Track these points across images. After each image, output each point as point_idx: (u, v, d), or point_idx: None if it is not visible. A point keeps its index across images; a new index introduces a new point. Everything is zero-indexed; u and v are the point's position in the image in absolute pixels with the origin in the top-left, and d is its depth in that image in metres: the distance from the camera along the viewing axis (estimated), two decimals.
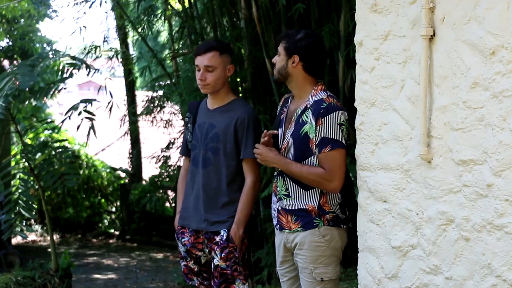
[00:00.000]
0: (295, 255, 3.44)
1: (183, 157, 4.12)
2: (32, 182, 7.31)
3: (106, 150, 18.57)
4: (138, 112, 10.62)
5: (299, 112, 3.40)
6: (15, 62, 13.13)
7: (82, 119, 6.20)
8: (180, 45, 7.78)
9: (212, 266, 3.82)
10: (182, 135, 8.94)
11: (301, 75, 3.41)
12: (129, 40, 12.15)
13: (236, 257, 3.76)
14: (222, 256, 3.75)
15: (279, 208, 3.48)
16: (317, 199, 3.36)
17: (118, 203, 14.02)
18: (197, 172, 3.85)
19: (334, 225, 3.37)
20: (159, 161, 10.01)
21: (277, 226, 3.51)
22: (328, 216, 3.36)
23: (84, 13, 10.61)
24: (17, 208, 6.22)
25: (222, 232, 3.76)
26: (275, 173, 3.56)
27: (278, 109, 3.68)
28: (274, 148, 3.49)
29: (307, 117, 3.34)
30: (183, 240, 3.91)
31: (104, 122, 9.30)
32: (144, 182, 12.90)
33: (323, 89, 3.41)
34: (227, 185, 3.78)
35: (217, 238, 3.77)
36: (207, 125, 3.84)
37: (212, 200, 3.81)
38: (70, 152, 7.51)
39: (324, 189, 3.34)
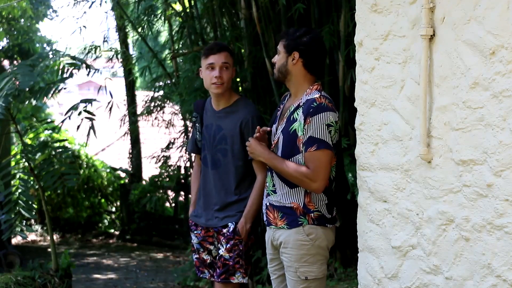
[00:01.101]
0: (280, 253, 3.46)
1: (194, 154, 4.26)
2: (32, 182, 7.31)
3: (106, 150, 18.58)
4: (138, 112, 10.61)
5: (292, 110, 3.42)
6: (15, 62, 13.13)
7: (82, 119, 6.20)
8: (180, 45, 7.78)
9: (217, 257, 3.93)
10: (183, 135, 8.99)
11: (300, 72, 3.42)
12: (129, 40, 12.15)
13: (240, 250, 3.85)
14: (227, 247, 3.85)
15: (267, 204, 3.51)
16: (302, 198, 3.37)
17: (118, 203, 14.01)
18: (207, 173, 3.98)
19: (319, 224, 3.37)
20: (159, 161, 10.01)
21: (266, 222, 3.55)
22: (313, 215, 3.36)
23: (84, 13, 10.59)
24: (17, 208, 6.21)
25: (230, 224, 3.87)
26: (267, 169, 3.57)
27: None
28: (268, 144, 3.53)
29: (297, 115, 3.36)
30: (196, 232, 4.04)
31: (104, 122, 9.29)
32: (144, 182, 12.89)
33: (318, 89, 3.41)
34: (236, 185, 3.89)
35: (224, 230, 3.88)
36: (214, 127, 3.94)
37: (222, 200, 3.91)
38: (70, 152, 7.50)
39: (306, 188, 3.35)
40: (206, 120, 3.98)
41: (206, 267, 4.04)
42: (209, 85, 3.87)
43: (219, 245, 3.91)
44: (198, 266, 4.08)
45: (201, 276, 4.11)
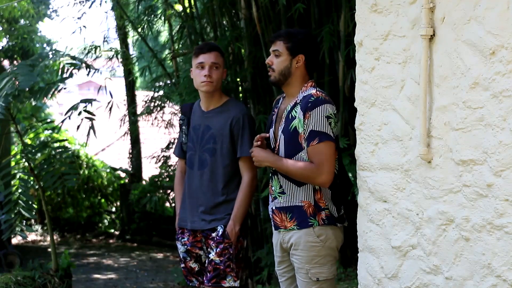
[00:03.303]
0: (291, 255, 3.45)
1: (178, 158, 4.16)
2: (32, 182, 7.32)
3: (106, 150, 18.57)
4: (138, 112, 10.61)
5: (289, 109, 3.42)
6: (15, 62, 13.13)
7: (82, 119, 6.21)
8: (180, 45, 7.78)
9: (207, 261, 3.87)
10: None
11: (301, 74, 3.43)
12: (129, 40, 12.15)
13: (230, 253, 3.81)
14: (217, 251, 3.80)
15: (273, 208, 3.49)
16: (312, 195, 3.36)
17: (118, 203, 14.02)
18: (193, 174, 3.91)
19: (329, 223, 3.36)
20: (159, 161, 10.01)
21: (273, 227, 3.53)
22: (323, 213, 3.35)
23: (84, 13, 10.57)
24: (17, 208, 6.22)
25: (219, 228, 3.83)
26: (270, 174, 3.56)
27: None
28: (267, 149, 3.51)
29: (296, 112, 3.36)
30: (183, 240, 3.96)
31: (104, 122, 9.29)
32: (144, 182, 12.89)
33: (313, 85, 3.43)
34: (224, 185, 3.84)
35: (213, 234, 3.83)
36: (202, 127, 3.90)
37: (209, 201, 3.86)
38: (70, 152, 7.50)
39: (313, 183, 3.34)
40: (194, 121, 3.95)
41: (194, 275, 3.98)
42: (199, 83, 3.87)
43: (208, 249, 3.86)
44: (186, 275, 4.02)
45: (190, 284, 4.05)
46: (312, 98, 3.32)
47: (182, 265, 4.01)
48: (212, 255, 3.82)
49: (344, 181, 3.51)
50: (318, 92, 3.36)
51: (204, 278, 3.89)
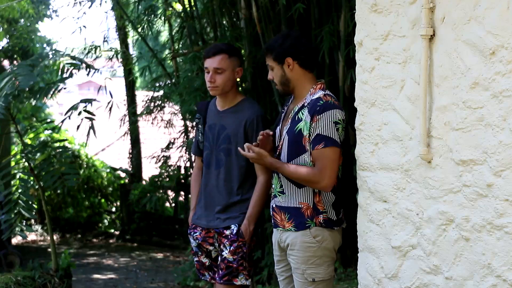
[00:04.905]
0: (288, 255, 3.46)
1: (195, 156, 4.21)
2: (32, 182, 7.31)
3: (106, 150, 18.57)
4: (138, 112, 10.61)
5: (296, 110, 3.42)
6: (15, 62, 13.13)
7: (82, 119, 6.20)
8: (180, 45, 7.78)
9: (219, 258, 3.91)
10: (183, 135, 8.99)
11: (299, 74, 3.43)
12: (129, 40, 12.16)
13: (244, 252, 3.85)
14: (231, 249, 3.84)
15: (274, 206, 3.50)
16: (311, 197, 3.37)
17: (118, 203, 14.01)
18: (210, 173, 3.96)
19: (326, 226, 3.37)
20: (159, 161, 10.00)
21: (273, 224, 3.54)
22: (321, 217, 3.36)
23: (84, 13, 10.59)
24: (17, 208, 6.20)
25: (233, 226, 3.86)
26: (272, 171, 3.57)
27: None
28: (273, 146, 3.52)
29: (302, 114, 3.36)
30: (195, 234, 4.01)
31: (104, 122, 9.29)
32: (144, 182, 12.88)
33: (322, 88, 3.43)
34: (239, 186, 3.88)
35: (227, 232, 3.86)
36: (218, 126, 3.93)
37: (224, 200, 3.90)
38: (70, 152, 7.51)
39: (314, 187, 3.34)
40: (210, 120, 3.98)
41: (206, 269, 4.04)
42: (207, 86, 3.92)
43: (221, 246, 3.89)
44: (199, 269, 4.09)
45: (202, 278, 4.11)
46: (321, 102, 3.32)
47: (196, 259, 4.07)
48: (226, 253, 3.85)
49: (348, 186, 3.51)
50: (327, 96, 3.36)
51: (216, 275, 3.93)
